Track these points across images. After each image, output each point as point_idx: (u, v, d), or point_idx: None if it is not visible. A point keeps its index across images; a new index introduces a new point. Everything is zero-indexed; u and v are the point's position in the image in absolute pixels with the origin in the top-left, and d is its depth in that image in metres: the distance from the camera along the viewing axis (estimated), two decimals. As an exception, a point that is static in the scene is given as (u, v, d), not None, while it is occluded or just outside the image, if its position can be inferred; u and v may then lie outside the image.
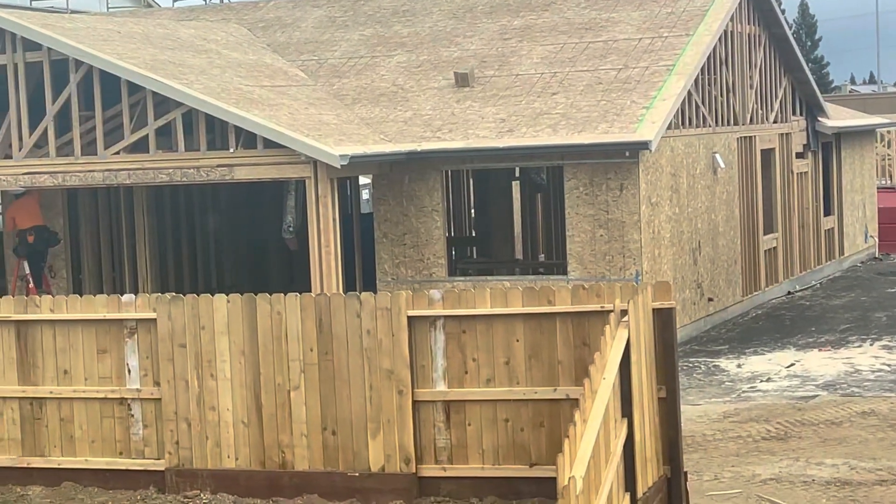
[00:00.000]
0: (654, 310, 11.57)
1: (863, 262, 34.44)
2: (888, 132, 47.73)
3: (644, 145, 20.06)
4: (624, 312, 10.92)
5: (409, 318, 11.89)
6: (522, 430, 11.93)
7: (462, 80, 22.46)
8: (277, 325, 11.94)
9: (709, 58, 23.24)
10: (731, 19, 24.35)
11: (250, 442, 12.13)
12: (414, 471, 11.90)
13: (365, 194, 28.44)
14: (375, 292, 13.28)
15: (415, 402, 11.95)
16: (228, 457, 12.14)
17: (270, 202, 24.80)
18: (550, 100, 22.04)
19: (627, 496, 10.63)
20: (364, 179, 26.25)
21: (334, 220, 19.59)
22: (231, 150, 19.85)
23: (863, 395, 18.29)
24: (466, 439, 12.13)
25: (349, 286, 21.26)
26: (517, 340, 11.77)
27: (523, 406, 11.86)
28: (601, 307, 11.59)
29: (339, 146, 19.45)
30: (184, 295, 12.48)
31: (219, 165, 20.12)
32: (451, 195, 26.41)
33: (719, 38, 23.75)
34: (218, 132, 20.48)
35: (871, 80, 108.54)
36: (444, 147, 21.27)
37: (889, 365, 20.26)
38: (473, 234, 28.31)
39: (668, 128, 21.27)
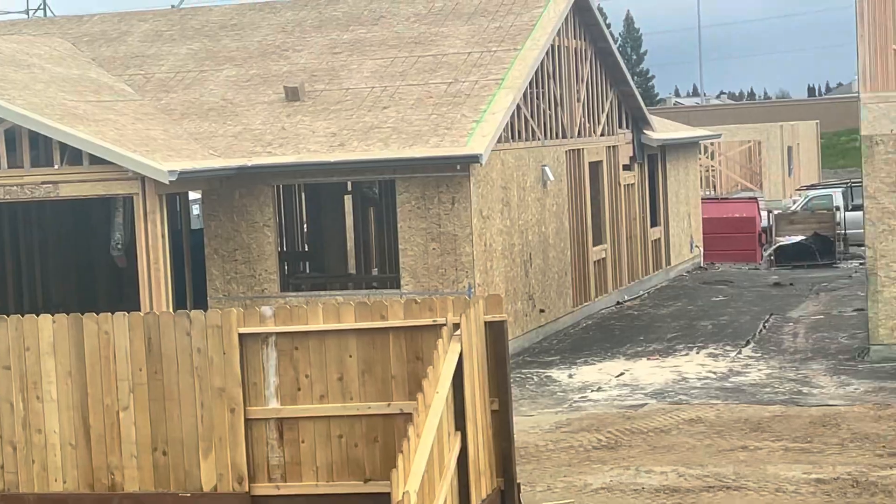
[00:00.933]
0: (486, 323, 11.73)
1: (689, 271, 35.44)
2: (711, 144, 49.16)
3: (475, 159, 20.39)
4: (456, 326, 11.07)
5: (241, 336, 11.83)
6: (356, 445, 11.95)
7: (292, 95, 22.76)
8: (105, 344, 11.77)
9: (537, 72, 23.81)
10: (558, 34, 24.97)
11: (78, 464, 11.95)
12: (247, 490, 11.82)
13: (195, 210, 28.50)
14: (206, 309, 13.14)
15: (247, 420, 11.87)
16: (56, 480, 11.92)
17: (98, 219, 24.78)
18: (381, 114, 22.30)
19: (462, 510, 10.89)
20: (194, 194, 26.36)
21: (163, 236, 19.62)
22: (56, 167, 19.78)
23: (690, 403, 18.97)
24: (300, 456, 12.12)
25: (179, 303, 21.42)
26: (350, 356, 11.79)
27: (357, 421, 11.92)
28: (434, 321, 11.64)
29: (167, 162, 19.55)
30: (8, 315, 12.26)
31: (43, 182, 19.98)
32: (282, 210, 26.64)
33: (546, 53, 24.37)
34: (42, 148, 20.42)
35: (695, 93, 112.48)
36: (274, 162, 21.51)
37: (715, 373, 21.07)
38: (306, 249, 28.59)
39: (499, 141, 21.78)
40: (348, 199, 27.17)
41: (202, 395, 11.88)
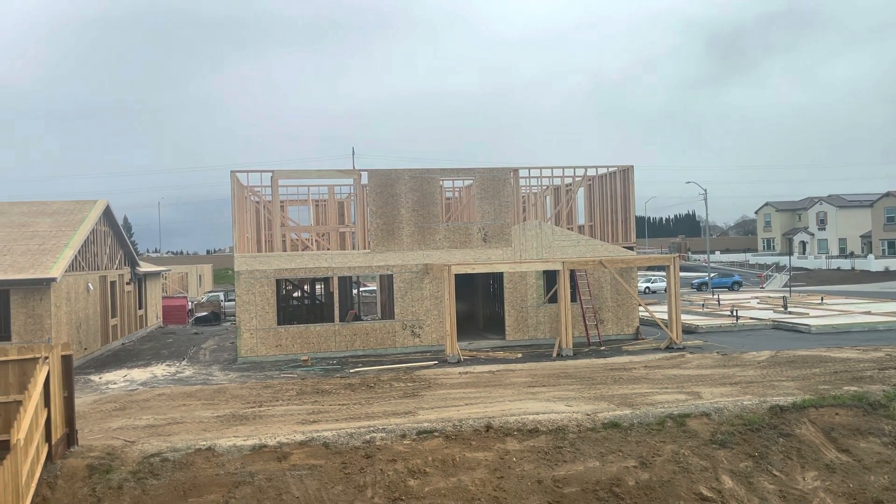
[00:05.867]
0: (62, 355, 15.43)
1: (157, 328, 47.67)
2: (167, 272, 62.68)
3: (53, 279, 29.35)
4: (46, 358, 14.31)
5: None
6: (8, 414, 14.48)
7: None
8: None
9: (87, 240, 34.18)
10: (97, 223, 36.17)
11: None
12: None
13: None
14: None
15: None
16: None
17: None
18: (3, 258, 30.54)
19: (47, 444, 14.74)
20: None
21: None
22: None
23: (158, 387, 25.19)
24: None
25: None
26: (-6, 376, 14.43)
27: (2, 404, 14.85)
28: (34, 356, 14.62)
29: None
30: None
31: None
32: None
33: (91, 231, 35.19)
34: None
35: (155, 251, 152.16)
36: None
37: (168, 373, 29.06)
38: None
39: (67, 271, 31.16)
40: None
41: None
